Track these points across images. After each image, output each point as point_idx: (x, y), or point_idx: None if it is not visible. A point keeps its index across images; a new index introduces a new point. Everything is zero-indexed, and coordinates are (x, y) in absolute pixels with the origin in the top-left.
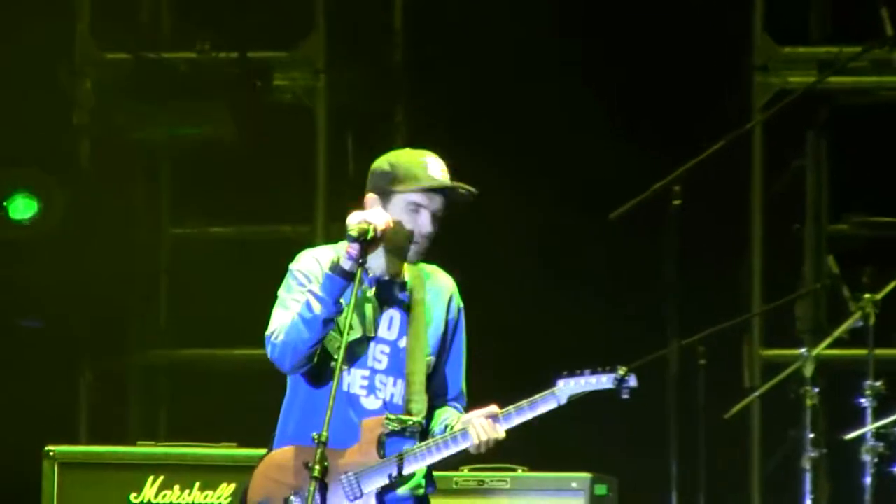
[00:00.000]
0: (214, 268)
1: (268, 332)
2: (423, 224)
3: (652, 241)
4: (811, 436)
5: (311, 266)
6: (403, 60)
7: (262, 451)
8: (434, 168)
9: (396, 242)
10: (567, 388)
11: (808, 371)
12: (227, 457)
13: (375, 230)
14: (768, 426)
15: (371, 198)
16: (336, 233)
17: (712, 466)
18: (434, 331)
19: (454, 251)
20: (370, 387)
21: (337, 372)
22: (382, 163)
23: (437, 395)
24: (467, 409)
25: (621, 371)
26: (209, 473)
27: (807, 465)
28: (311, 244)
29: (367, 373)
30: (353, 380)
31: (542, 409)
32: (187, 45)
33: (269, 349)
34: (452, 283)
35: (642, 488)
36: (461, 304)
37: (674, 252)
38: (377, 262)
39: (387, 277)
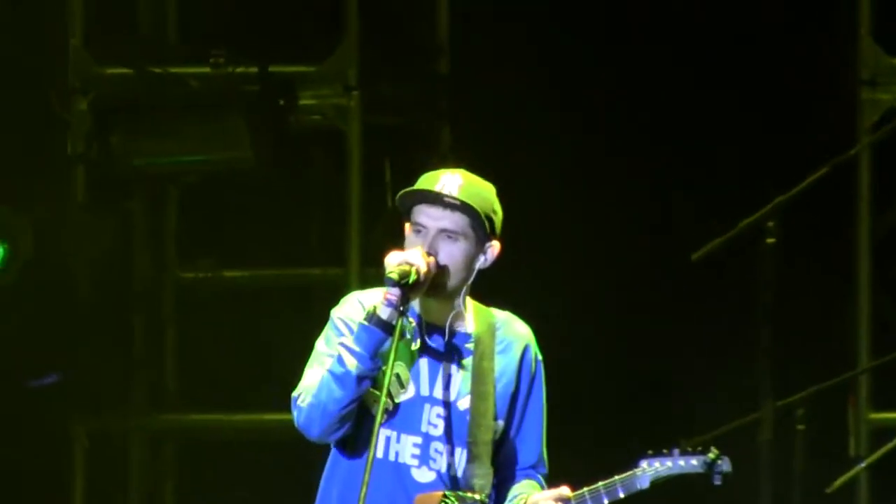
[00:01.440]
0: (229, 318)
1: (294, 394)
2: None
3: (741, 286)
4: None
5: (355, 312)
6: (449, 74)
7: None
8: (444, 181)
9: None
10: (652, 469)
11: None
12: None
13: (419, 272)
14: (878, 502)
15: (406, 228)
16: (373, 278)
17: None
18: (503, 390)
19: (506, 298)
20: (423, 456)
21: (374, 436)
22: None
23: (508, 463)
24: (547, 478)
25: (713, 454)
26: None
27: None
28: (344, 289)
29: (419, 440)
30: (402, 448)
31: (622, 493)
32: (198, 57)
33: (294, 413)
34: (528, 332)
35: None
36: (539, 356)
37: (767, 299)
38: (430, 308)
39: (444, 327)
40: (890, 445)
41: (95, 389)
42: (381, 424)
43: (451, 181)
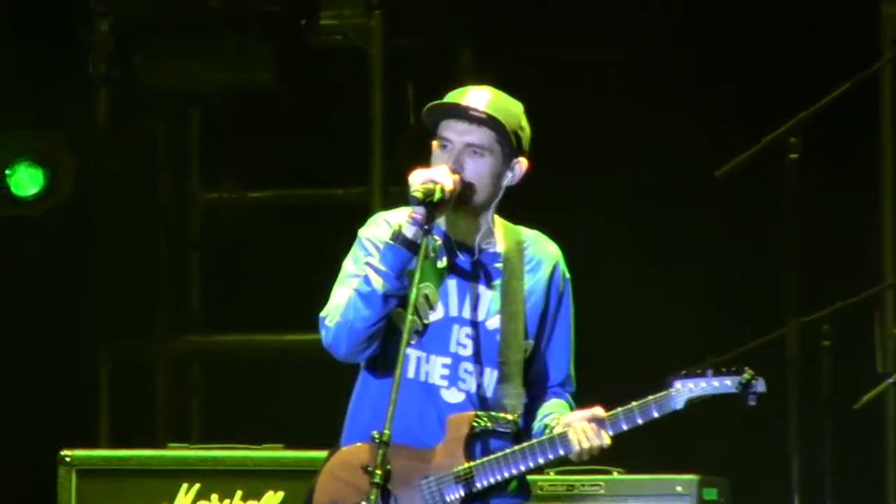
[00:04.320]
0: (254, 239)
1: (322, 314)
2: (446, 161)
3: (765, 202)
4: None
5: (382, 232)
6: None
7: (314, 453)
8: (471, 96)
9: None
10: (686, 390)
11: None
12: (272, 460)
13: (443, 190)
14: None
15: (433, 145)
16: (396, 196)
17: (840, 466)
18: (533, 308)
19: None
20: (452, 377)
21: (401, 356)
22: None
23: (538, 382)
24: (575, 396)
25: (747, 374)
26: (252, 479)
27: None
28: (367, 209)
29: (448, 360)
30: (432, 368)
31: (657, 413)
32: None
33: (322, 333)
34: (557, 251)
35: (758, 491)
36: (567, 275)
37: (791, 215)
38: (457, 227)
39: (473, 245)
40: None
41: (119, 312)
42: (412, 345)
43: (478, 96)
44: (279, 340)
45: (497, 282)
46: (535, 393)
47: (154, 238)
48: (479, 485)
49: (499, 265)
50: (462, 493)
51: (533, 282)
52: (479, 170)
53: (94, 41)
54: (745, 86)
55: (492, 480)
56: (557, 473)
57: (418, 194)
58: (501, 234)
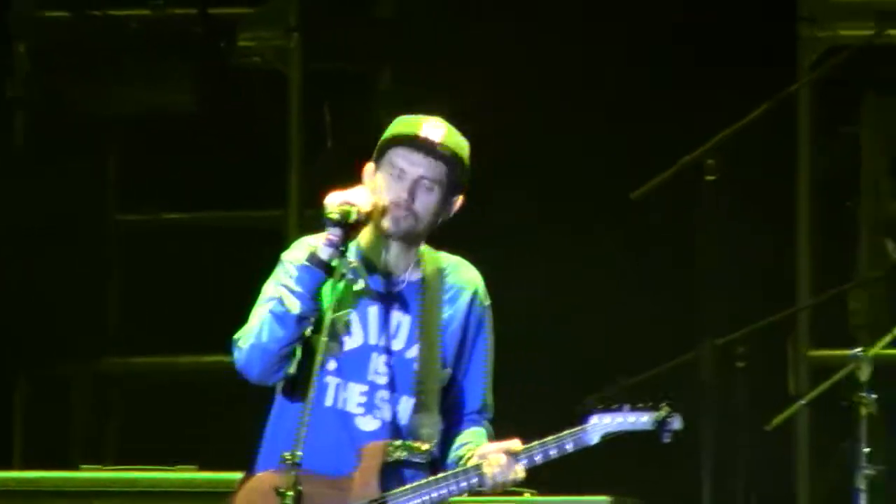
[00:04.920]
0: (172, 261)
1: (236, 336)
2: (399, 191)
3: (680, 224)
4: (867, 450)
5: (302, 255)
6: (392, 15)
7: (228, 474)
8: (428, 129)
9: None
10: (602, 425)
11: (864, 374)
12: (185, 481)
13: (359, 212)
14: (817, 439)
15: (367, 168)
16: (313, 219)
17: (753, 485)
18: (451, 337)
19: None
20: (368, 404)
21: (313, 377)
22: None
23: (454, 409)
24: (493, 422)
25: (663, 411)
26: (165, 501)
27: (862, 483)
28: (283, 232)
29: (365, 388)
30: (349, 395)
31: (571, 448)
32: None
33: (235, 354)
34: (477, 278)
35: None
36: (487, 302)
37: (706, 237)
38: (383, 254)
39: (398, 275)
40: (829, 383)
41: (36, 334)
42: (330, 372)
43: (434, 130)
44: (196, 362)
45: (416, 309)
46: (452, 420)
47: (72, 260)
48: None
49: (418, 293)
50: None
51: (451, 311)
52: (427, 203)
53: (12, 63)
54: (659, 107)
55: None
56: (470, 495)
57: (333, 216)
58: (423, 262)
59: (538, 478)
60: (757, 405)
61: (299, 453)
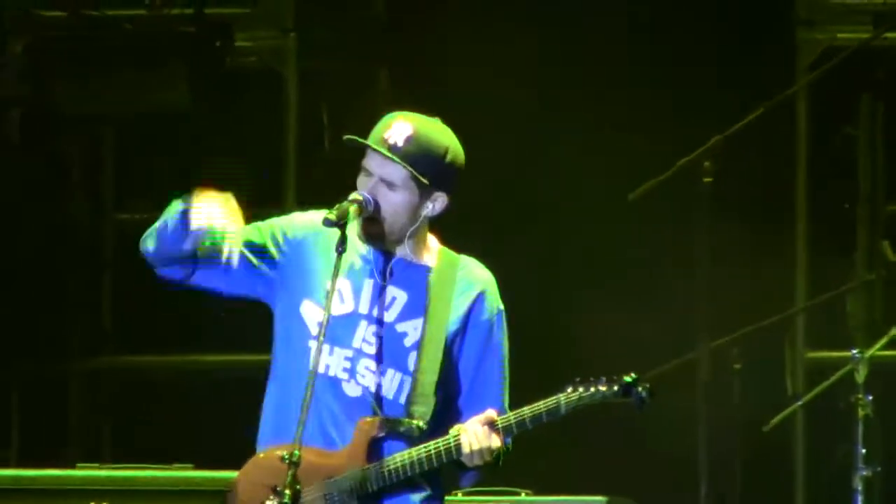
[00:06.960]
0: None
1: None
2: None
3: (678, 226)
4: (863, 451)
5: (314, 216)
6: (387, 15)
7: (224, 473)
8: (394, 129)
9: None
10: (576, 395)
11: (861, 376)
12: (182, 480)
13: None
14: (814, 440)
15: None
16: None
17: (749, 487)
18: (453, 329)
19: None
20: (352, 370)
21: (314, 359)
22: None
23: (466, 412)
24: None
25: (628, 378)
26: (161, 499)
27: (858, 484)
28: None
29: (350, 353)
30: (335, 361)
31: (546, 418)
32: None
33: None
34: (488, 278)
35: None
36: (500, 305)
37: (704, 239)
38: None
39: (392, 251)
40: (826, 384)
41: (32, 332)
42: (313, 337)
43: (400, 130)
44: (192, 361)
45: (421, 291)
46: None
47: (67, 258)
48: (373, 487)
49: (428, 278)
50: (358, 495)
51: (459, 303)
52: (391, 201)
53: (8, 61)
54: (657, 108)
55: (386, 482)
56: (465, 494)
57: (332, 216)
58: (437, 255)
59: (537, 478)
60: (753, 407)
61: (298, 453)
